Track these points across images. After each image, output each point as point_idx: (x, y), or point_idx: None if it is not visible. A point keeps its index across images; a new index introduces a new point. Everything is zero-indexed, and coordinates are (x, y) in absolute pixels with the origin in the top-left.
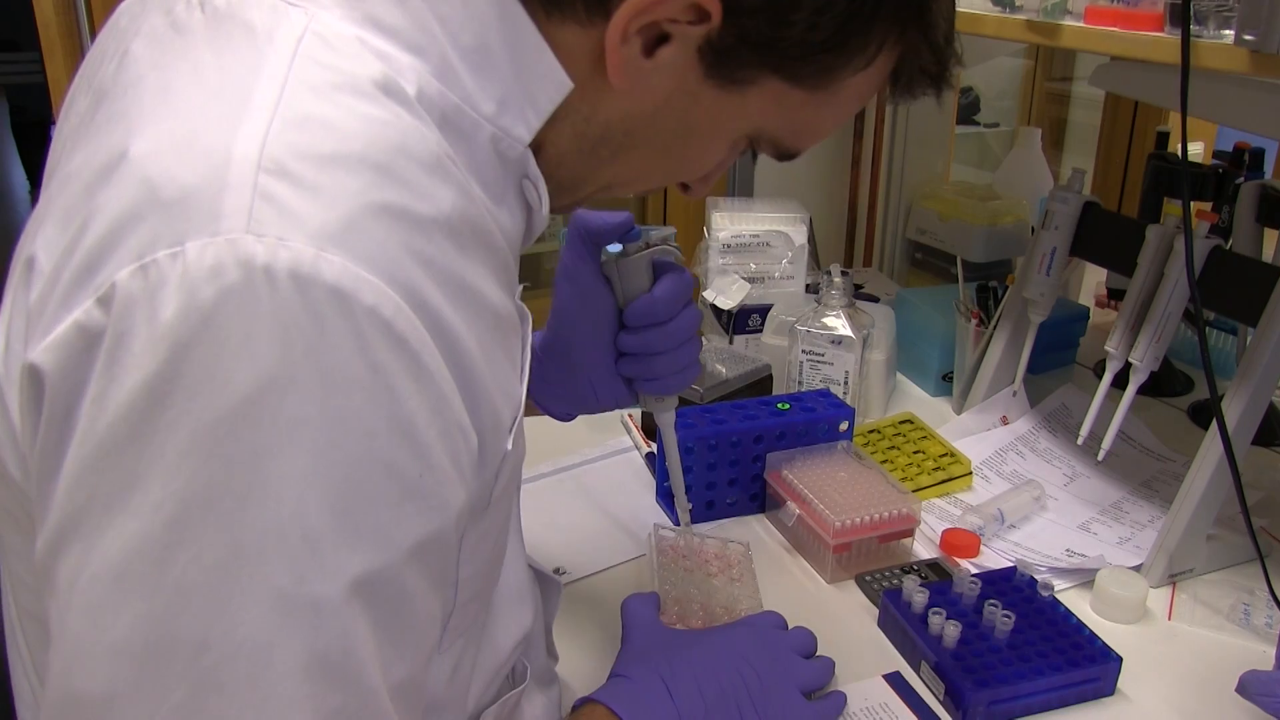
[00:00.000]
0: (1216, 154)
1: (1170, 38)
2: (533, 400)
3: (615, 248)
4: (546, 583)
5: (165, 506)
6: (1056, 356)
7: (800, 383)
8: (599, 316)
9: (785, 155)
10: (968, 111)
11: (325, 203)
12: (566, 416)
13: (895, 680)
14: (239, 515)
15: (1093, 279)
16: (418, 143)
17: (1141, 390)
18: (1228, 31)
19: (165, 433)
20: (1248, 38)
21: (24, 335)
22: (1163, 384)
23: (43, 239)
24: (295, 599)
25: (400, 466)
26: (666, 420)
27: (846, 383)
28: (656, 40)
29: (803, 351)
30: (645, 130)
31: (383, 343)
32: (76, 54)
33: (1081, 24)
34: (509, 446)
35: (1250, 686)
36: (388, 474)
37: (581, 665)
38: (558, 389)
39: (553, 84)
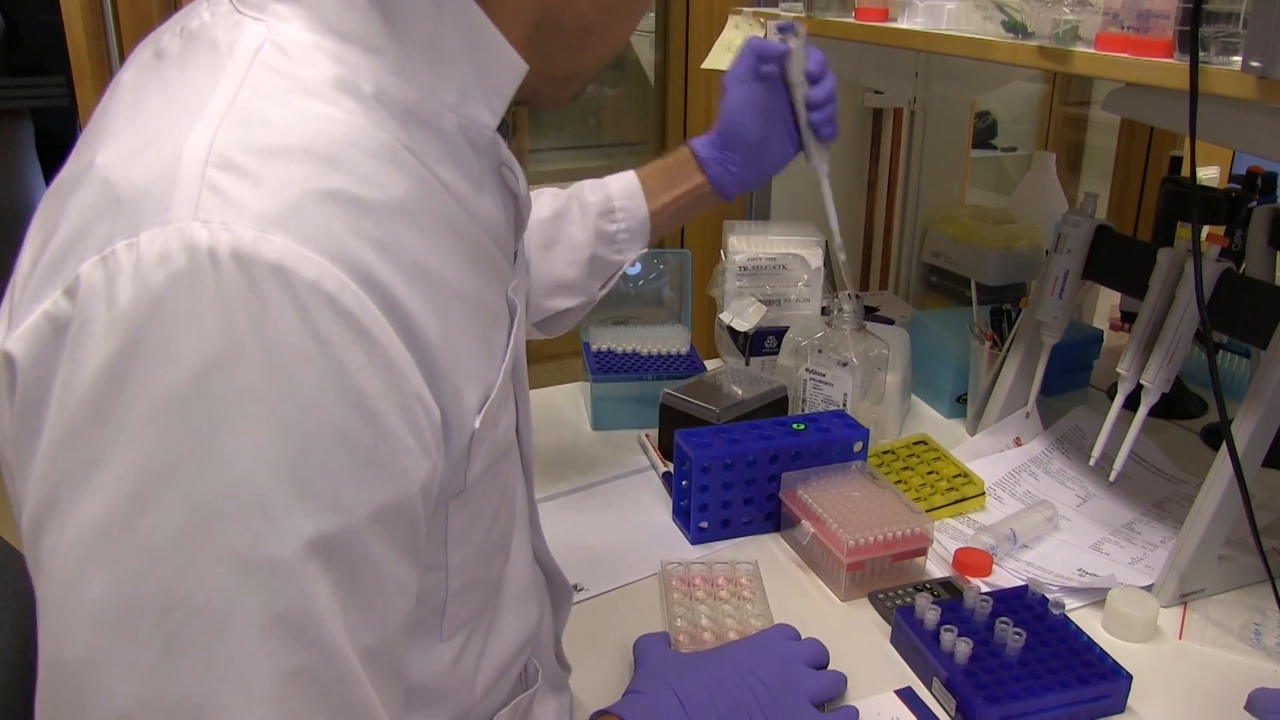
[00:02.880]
0: (1232, 178)
1: (1179, 64)
2: (713, 187)
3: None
4: (558, 588)
5: (128, 478)
6: (1071, 379)
7: (805, 401)
8: (776, 99)
9: None
10: (985, 136)
11: (269, 190)
12: (730, 197)
13: (907, 695)
14: (195, 483)
15: (1107, 302)
16: (367, 136)
17: (1155, 412)
18: (1235, 58)
19: (125, 409)
20: (1254, 64)
21: (4, 330)
22: (1176, 406)
23: (26, 247)
24: (252, 560)
25: (352, 435)
26: (824, 165)
27: (845, 404)
28: None
29: (807, 370)
30: None
31: (327, 315)
32: (106, 79)
33: (1092, 50)
34: (477, 425)
35: (1259, 704)
36: (339, 441)
37: (597, 681)
38: (737, 171)
39: (509, 68)
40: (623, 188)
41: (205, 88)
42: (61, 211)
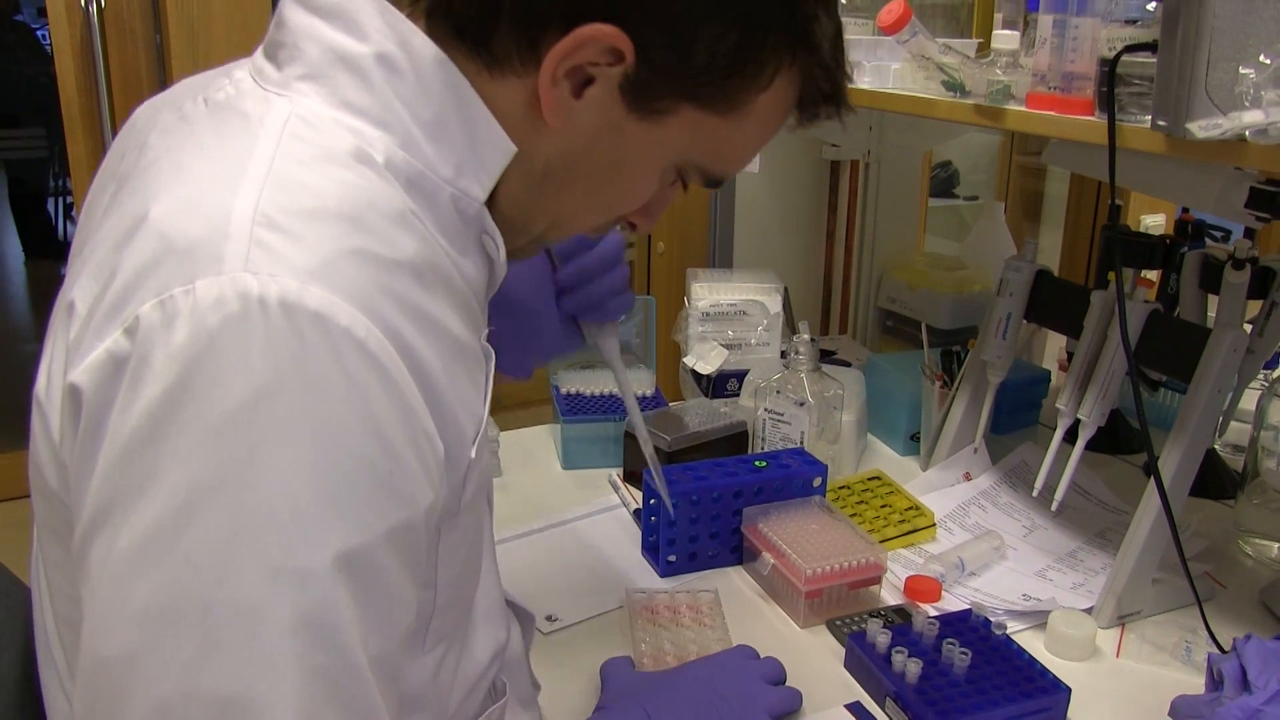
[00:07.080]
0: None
1: (1099, 121)
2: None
3: None
4: (522, 615)
5: (178, 493)
6: (1020, 417)
7: (764, 440)
8: (536, 269)
9: (712, 182)
10: (946, 185)
11: (308, 247)
12: (520, 368)
13: (856, 709)
14: (238, 498)
15: (1055, 344)
16: (384, 200)
17: (1100, 448)
18: (1147, 116)
19: (178, 432)
20: (1161, 123)
21: (64, 365)
22: (1120, 441)
23: (79, 288)
24: (285, 568)
25: (373, 461)
26: (611, 348)
27: (802, 442)
28: (583, 83)
29: (765, 410)
30: (582, 163)
31: (356, 356)
32: (96, 132)
33: (1023, 108)
34: (473, 455)
35: (1181, 710)
36: (363, 466)
37: (566, 705)
38: (507, 340)
39: (499, 150)
40: None
41: (242, 152)
42: (119, 259)
